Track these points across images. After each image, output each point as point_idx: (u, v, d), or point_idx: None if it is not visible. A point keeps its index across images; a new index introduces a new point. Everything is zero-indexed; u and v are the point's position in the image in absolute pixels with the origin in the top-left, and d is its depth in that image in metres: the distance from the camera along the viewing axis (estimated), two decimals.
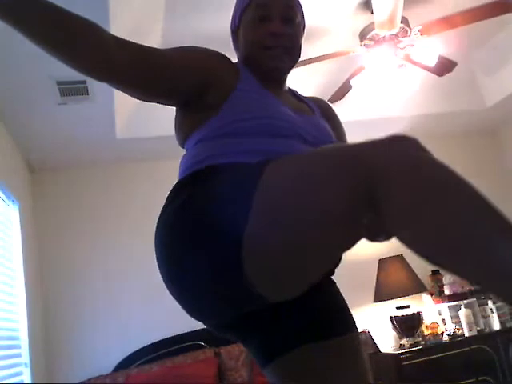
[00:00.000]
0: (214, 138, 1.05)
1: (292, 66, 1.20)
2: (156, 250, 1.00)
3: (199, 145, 1.07)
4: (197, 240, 0.90)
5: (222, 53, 1.15)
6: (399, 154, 0.79)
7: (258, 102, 1.08)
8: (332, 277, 1.19)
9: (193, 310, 0.99)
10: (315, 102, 1.31)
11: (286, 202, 0.83)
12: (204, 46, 1.14)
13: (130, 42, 1.03)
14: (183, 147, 1.16)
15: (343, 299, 1.19)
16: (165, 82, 1.06)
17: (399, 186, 0.76)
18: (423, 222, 0.75)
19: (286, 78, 1.24)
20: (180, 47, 1.11)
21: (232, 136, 1.03)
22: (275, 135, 1.03)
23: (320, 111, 1.27)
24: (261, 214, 0.84)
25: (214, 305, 0.96)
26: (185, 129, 1.13)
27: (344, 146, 0.87)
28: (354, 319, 1.17)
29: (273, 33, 1.14)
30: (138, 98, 1.10)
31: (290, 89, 1.29)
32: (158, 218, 1.02)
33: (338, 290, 1.20)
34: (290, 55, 1.18)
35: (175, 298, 0.99)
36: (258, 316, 1.03)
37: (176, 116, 1.17)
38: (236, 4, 1.23)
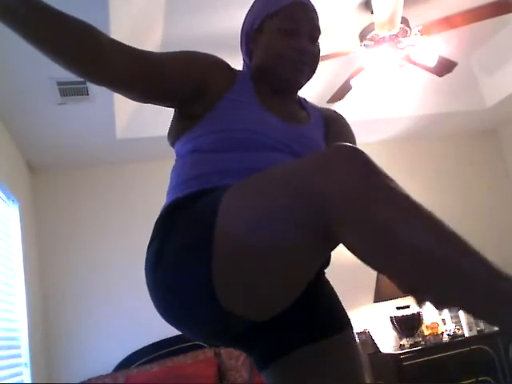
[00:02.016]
0: (191, 153, 1.08)
1: (306, 80, 1.21)
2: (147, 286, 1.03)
3: (179, 163, 1.11)
4: (173, 288, 0.94)
5: (222, 59, 1.15)
6: (346, 179, 0.78)
7: (240, 112, 1.09)
8: (326, 276, 1.19)
9: (191, 335, 1.04)
10: (323, 111, 1.30)
11: (244, 242, 0.86)
12: (205, 49, 1.14)
13: (127, 46, 1.03)
14: (173, 147, 1.20)
15: (337, 297, 1.19)
16: (160, 88, 1.07)
17: (353, 220, 0.78)
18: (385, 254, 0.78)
19: (296, 92, 1.24)
20: (179, 52, 1.11)
21: (204, 152, 1.06)
22: (245, 149, 1.04)
23: (324, 121, 1.26)
24: (220, 252, 0.87)
25: (206, 333, 1.02)
26: (173, 134, 1.17)
27: (292, 172, 0.86)
28: (348, 316, 1.18)
29: (301, 49, 1.15)
30: (134, 100, 1.11)
31: (298, 97, 1.28)
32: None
33: (332, 288, 1.20)
34: (309, 69, 1.20)
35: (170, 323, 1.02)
36: (252, 325, 1.04)
37: (172, 117, 1.19)
38: (259, 6, 1.20)
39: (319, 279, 1.17)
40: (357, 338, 3.63)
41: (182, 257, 0.92)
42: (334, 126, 1.27)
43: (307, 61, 1.17)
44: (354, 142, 1.30)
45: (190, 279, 0.90)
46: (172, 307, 0.96)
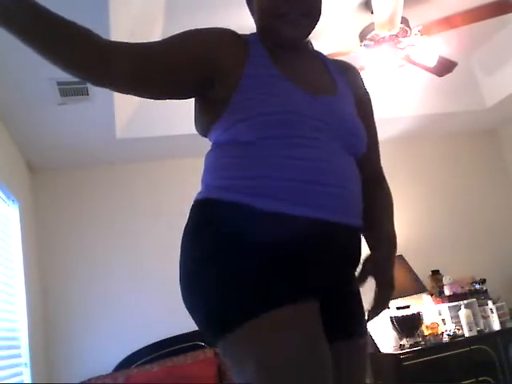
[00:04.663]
0: (227, 144, 1.04)
1: (311, 29, 1.14)
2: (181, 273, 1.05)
3: (217, 151, 1.07)
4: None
5: (226, 29, 1.09)
6: None
7: (266, 91, 1.02)
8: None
9: None
10: (342, 69, 1.23)
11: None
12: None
13: (126, 46, 1.02)
14: (205, 137, 1.15)
15: (359, 301, 1.16)
16: (166, 85, 1.06)
17: None
18: None
19: (308, 42, 1.19)
20: (180, 37, 1.06)
21: (244, 145, 1.01)
22: (288, 145, 0.99)
23: (345, 80, 1.20)
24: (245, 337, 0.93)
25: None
26: (203, 125, 1.12)
27: None
28: (363, 324, 1.15)
29: None
30: (145, 98, 1.10)
31: (315, 52, 1.22)
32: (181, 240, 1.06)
33: (358, 291, 1.16)
34: (308, 18, 1.11)
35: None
36: None
37: (194, 106, 1.14)
38: None
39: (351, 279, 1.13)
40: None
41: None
42: (355, 93, 1.22)
43: (300, 9, 1.08)
44: (371, 113, 1.31)
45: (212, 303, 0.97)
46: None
